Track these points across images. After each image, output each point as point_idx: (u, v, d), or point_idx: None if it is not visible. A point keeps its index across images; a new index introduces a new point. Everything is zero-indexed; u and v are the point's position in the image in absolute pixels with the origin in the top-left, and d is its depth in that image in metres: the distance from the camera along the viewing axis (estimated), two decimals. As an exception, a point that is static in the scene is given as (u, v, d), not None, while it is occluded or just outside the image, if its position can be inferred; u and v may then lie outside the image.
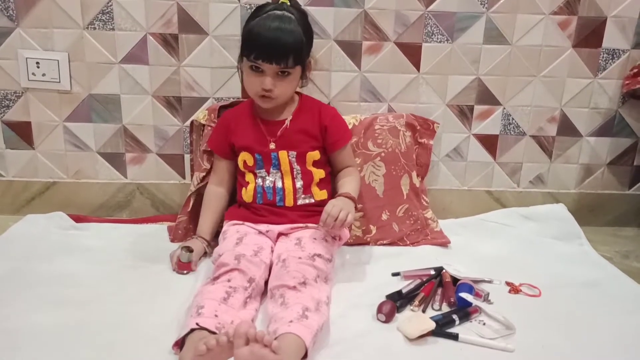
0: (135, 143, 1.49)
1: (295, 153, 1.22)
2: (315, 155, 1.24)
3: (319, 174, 1.25)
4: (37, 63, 1.39)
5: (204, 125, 1.36)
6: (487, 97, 1.51)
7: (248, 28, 1.15)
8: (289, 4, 1.18)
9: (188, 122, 1.44)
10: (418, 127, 1.46)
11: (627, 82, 1.49)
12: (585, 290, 1.17)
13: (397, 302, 1.05)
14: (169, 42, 1.41)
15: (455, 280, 1.15)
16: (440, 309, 1.07)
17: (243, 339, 0.79)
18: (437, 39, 1.44)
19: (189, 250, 1.19)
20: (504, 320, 1.01)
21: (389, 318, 1.01)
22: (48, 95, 1.43)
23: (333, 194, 1.27)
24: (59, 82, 1.41)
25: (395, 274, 1.20)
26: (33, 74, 1.40)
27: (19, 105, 1.44)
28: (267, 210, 1.23)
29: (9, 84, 1.42)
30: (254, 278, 1.04)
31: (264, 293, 1.07)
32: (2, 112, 1.45)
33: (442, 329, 0.99)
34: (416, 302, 1.07)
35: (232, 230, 1.19)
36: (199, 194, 1.34)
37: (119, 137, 1.48)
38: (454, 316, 1.02)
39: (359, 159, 1.37)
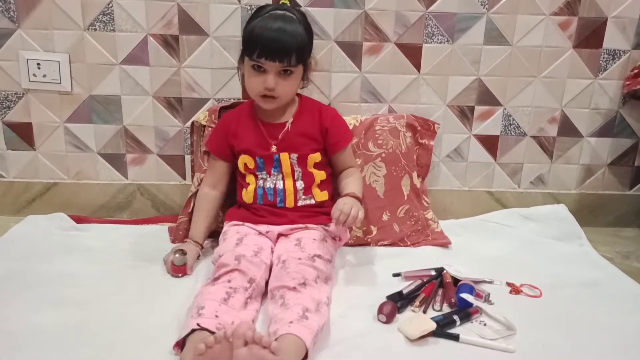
0: (135, 144, 1.49)
1: (296, 155, 1.22)
2: (316, 157, 1.24)
3: (320, 175, 1.25)
4: (38, 64, 1.40)
5: (204, 126, 1.36)
6: (487, 98, 1.51)
7: (250, 28, 1.15)
8: (288, 4, 1.18)
9: (189, 123, 1.44)
10: (419, 128, 1.46)
11: (627, 82, 1.49)
12: (586, 291, 1.17)
13: (398, 302, 1.05)
14: (170, 43, 1.41)
15: (456, 280, 1.15)
16: (441, 310, 1.07)
17: (242, 339, 0.80)
18: (438, 39, 1.44)
19: (183, 253, 1.18)
20: (504, 320, 1.01)
21: (389, 319, 1.01)
22: (49, 96, 1.44)
23: (334, 194, 1.28)
24: (60, 83, 1.42)
25: (396, 275, 1.20)
26: (34, 75, 1.40)
27: (19, 106, 1.44)
28: (267, 210, 1.23)
29: (10, 85, 1.42)
30: (255, 278, 1.04)
31: (264, 294, 1.07)
32: (3, 113, 1.45)
33: (443, 329, 0.99)
34: (417, 303, 1.07)
35: (232, 230, 1.19)
36: (200, 195, 1.34)
37: (120, 138, 1.48)
38: (455, 317, 1.02)
39: (359, 160, 1.37)
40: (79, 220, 1.43)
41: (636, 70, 1.46)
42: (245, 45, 1.16)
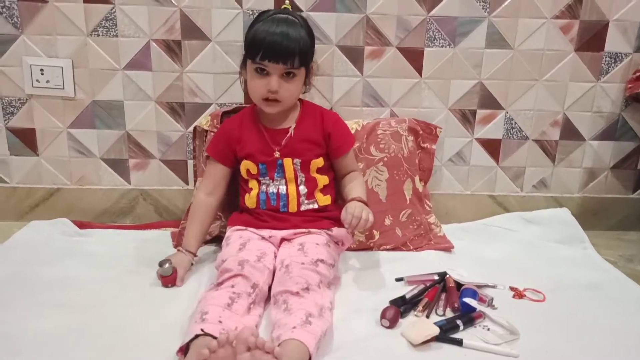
0: (138, 149, 1.49)
1: (299, 161, 1.22)
2: (319, 162, 1.24)
3: (323, 180, 1.25)
4: (41, 70, 1.40)
5: (207, 131, 1.37)
6: (489, 102, 1.51)
7: (253, 31, 1.16)
8: (290, 9, 1.19)
9: (191, 128, 1.45)
10: (420, 132, 1.46)
11: (629, 85, 1.49)
12: (589, 294, 1.17)
13: (401, 307, 1.05)
14: (172, 48, 1.41)
15: (459, 285, 1.14)
16: (444, 314, 1.07)
17: (245, 345, 0.80)
18: (439, 43, 1.45)
19: (170, 263, 1.14)
20: (508, 325, 1.01)
21: (392, 323, 1.01)
22: (52, 102, 1.44)
23: (336, 198, 1.28)
24: (63, 88, 1.42)
25: (398, 279, 1.20)
26: (37, 80, 1.41)
27: (23, 112, 1.45)
28: (270, 215, 1.23)
29: (14, 90, 1.43)
30: (258, 284, 1.04)
31: (267, 299, 1.07)
32: (7, 119, 1.45)
33: (446, 334, 0.98)
34: (420, 308, 1.07)
35: (236, 235, 1.19)
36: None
37: (123, 143, 1.49)
38: (458, 321, 1.01)
39: (361, 164, 1.37)
40: (81, 225, 1.44)
41: (638, 73, 1.46)
42: (248, 49, 1.17)
